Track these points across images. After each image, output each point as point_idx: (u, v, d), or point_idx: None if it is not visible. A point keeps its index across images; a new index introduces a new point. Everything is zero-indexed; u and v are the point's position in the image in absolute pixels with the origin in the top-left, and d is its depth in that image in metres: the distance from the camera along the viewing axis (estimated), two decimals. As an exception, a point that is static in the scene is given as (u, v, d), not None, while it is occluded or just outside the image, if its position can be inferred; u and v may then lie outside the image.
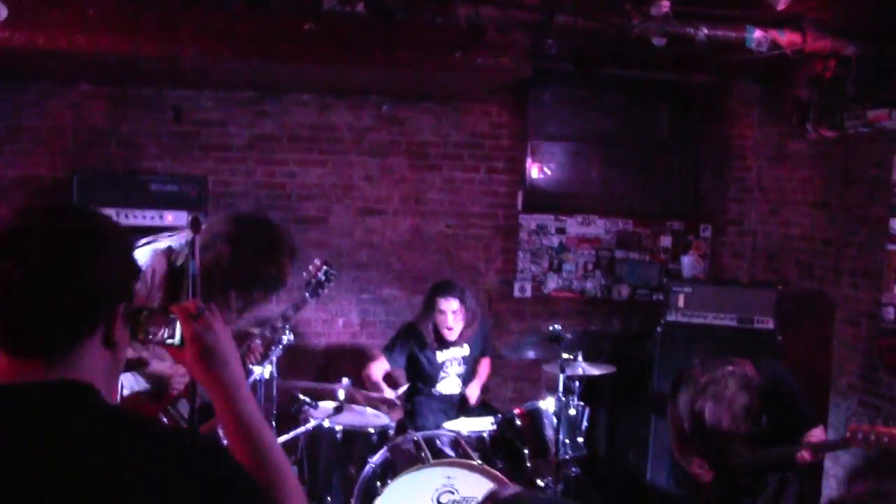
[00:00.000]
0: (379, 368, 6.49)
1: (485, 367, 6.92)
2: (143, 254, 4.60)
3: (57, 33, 5.75)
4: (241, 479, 1.74)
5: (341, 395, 5.81)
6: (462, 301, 6.43)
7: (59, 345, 1.70)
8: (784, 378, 5.24)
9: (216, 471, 1.70)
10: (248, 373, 5.05)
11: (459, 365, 6.58)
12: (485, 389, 6.97)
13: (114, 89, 7.40)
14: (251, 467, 1.83)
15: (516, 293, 8.17)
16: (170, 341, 2.00)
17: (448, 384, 6.57)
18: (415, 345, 6.52)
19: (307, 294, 5.19)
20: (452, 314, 6.40)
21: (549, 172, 8.38)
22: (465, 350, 6.59)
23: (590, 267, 8.25)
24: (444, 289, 6.48)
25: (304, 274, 5.26)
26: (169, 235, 4.64)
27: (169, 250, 4.53)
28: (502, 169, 8.07)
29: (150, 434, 1.71)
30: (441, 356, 6.55)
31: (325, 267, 5.21)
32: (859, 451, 6.23)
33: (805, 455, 4.89)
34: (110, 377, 1.81)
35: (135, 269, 1.86)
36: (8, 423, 1.61)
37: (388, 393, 6.21)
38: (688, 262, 8.10)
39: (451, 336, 6.46)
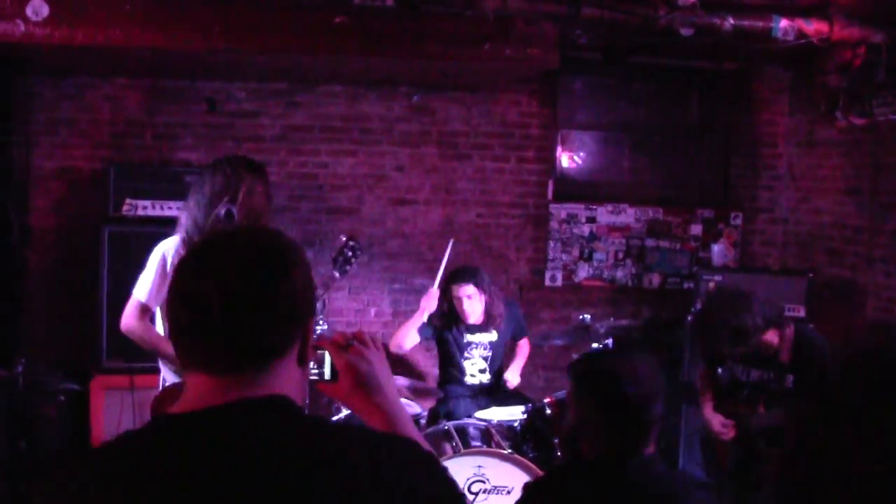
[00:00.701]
0: (406, 338, 6.46)
1: (524, 348, 6.91)
2: (168, 243, 4.72)
3: (94, 29, 5.88)
4: (452, 493, 1.77)
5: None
6: (477, 285, 6.42)
7: (258, 363, 1.70)
8: (818, 343, 5.25)
9: (435, 484, 1.73)
10: None
11: (486, 349, 6.60)
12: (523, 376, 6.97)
13: (149, 82, 7.51)
14: None
15: (547, 282, 8.20)
16: (315, 377, 1.99)
17: (473, 368, 6.59)
18: (442, 323, 6.55)
19: (335, 272, 5.21)
20: (468, 299, 6.40)
21: (579, 161, 8.41)
22: (492, 335, 6.61)
23: (620, 256, 8.27)
24: (458, 275, 6.48)
25: (330, 252, 5.30)
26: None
27: (191, 238, 4.63)
28: (532, 158, 8.10)
29: (372, 443, 1.72)
30: (468, 337, 6.58)
31: (350, 242, 5.21)
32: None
33: None
34: (301, 395, 1.79)
35: (314, 284, 1.86)
36: (215, 445, 1.61)
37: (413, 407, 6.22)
38: (718, 251, 8.11)
39: (472, 319, 6.48)
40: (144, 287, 4.64)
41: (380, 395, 1.97)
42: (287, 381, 1.73)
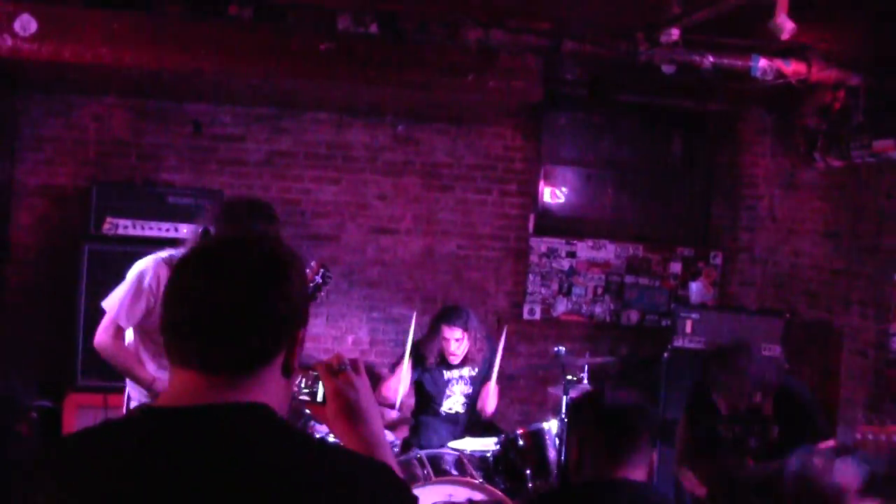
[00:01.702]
0: (393, 386, 6.44)
1: (494, 392, 6.86)
2: (145, 262, 4.69)
3: (82, 47, 5.93)
4: None
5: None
6: (466, 329, 6.37)
7: (244, 366, 1.70)
8: (800, 391, 5.25)
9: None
10: None
11: (466, 385, 6.58)
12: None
13: (136, 102, 7.56)
14: None
15: (525, 315, 8.22)
16: (305, 397, 1.98)
17: (453, 403, 6.59)
18: (420, 365, 6.52)
19: None
20: (456, 342, 6.37)
21: (561, 196, 8.45)
22: (473, 371, 6.60)
23: (599, 291, 8.30)
24: (449, 317, 6.42)
25: None
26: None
27: (170, 258, 4.61)
28: (515, 192, 8.15)
29: (348, 462, 1.73)
30: (447, 374, 6.56)
31: (321, 269, 5.19)
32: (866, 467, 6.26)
33: None
34: (284, 403, 1.79)
35: (308, 295, 1.89)
36: (197, 443, 1.63)
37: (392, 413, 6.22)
38: (696, 289, 8.13)
39: (455, 361, 6.47)
40: (113, 304, 4.61)
41: (363, 425, 1.96)
42: (271, 390, 1.73)
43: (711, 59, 5.79)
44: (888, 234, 6.68)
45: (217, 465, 1.58)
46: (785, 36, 5.10)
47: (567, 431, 3.27)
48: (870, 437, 4.55)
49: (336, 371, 1.98)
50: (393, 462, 1.93)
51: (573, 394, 6.21)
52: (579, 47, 5.58)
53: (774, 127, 8.26)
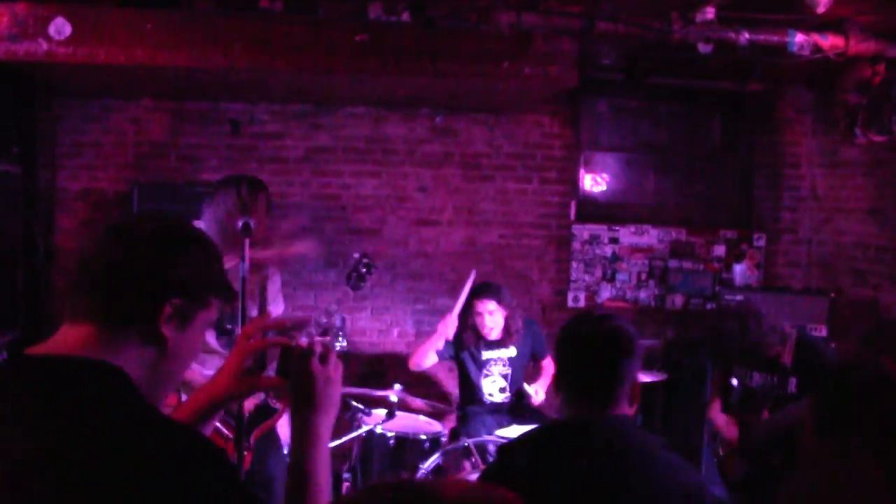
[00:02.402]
0: (425, 358, 6.42)
1: (548, 368, 6.81)
2: None
3: (117, 48, 5.95)
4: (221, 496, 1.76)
5: (393, 399, 5.88)
6: (499, 301, 6.39)
7: (100, 323, 1.83)
8: (820, 348, 5.23)
9: (205, 477, 1.74)
10: None
11: (504, 366, 6.57)
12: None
13: (173, 104, 7.61)
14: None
15: (570, 303, 8.20)
16: (271, 372, 2.10)
17: (493, 386, 6.57)
18: (459, 344, 6.51)
19: (349, 287, 5.21)
20: (489, 315, 6.36)
21: (601, 182, 8.41)
22: (511, 351, 6.57)
23: (643, 276, 8.25)
24: (481, 290, 6.42)
25: (345, 269, 5.30)
26: None
27: None
28: (555, 179, 8.12)
29: (153, 427, 1.76)
30: (486, 355, 6.55)
31: (364, 259, 5.23)
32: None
33: None
34: (155, 374, 1.88)
35: (205, 278, 1.95)
36: (20, 388, 1.77)
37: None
38: (740, 271, 8.08)
39: (492, 335, 6.45)
40: None
41: (312, 414, 2.04)
42: (130, 354, 1.83)
43: (747, 35, 5.73)
44: (933, 208, 6.60)
45: (25, 411, 1.70)
46: (821, 9, 5.05)
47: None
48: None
49: (304, 354, 2.06)
50: (324, 459, 2.01)
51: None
52: (613, 28, 5.54)
53: (815, 105, 8.18)
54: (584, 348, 2.92)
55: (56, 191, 7.52)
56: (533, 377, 6.78)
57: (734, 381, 5.51)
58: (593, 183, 8.36)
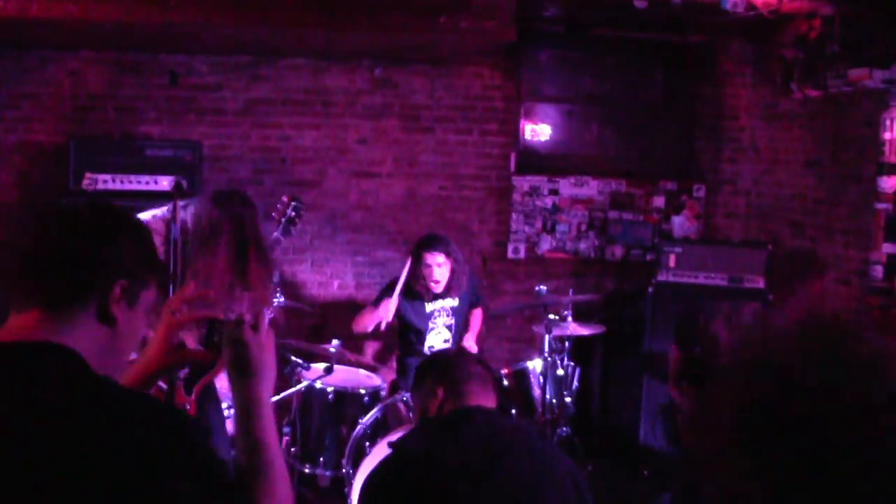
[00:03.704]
0: (367, 318, 6.43)
1: (477, 318, 6.90)
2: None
3: (49, 2, 5.84)
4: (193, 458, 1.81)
5: (332, 352, 5.89)
6: (447, 254, 6.38)
7: (50, 307, 1.86)
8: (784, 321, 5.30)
9: (176, 445, 1.79)
10: None
11: (448, 316, 6.60)
12: (480, 345, 6.97)
13: (111, 55, 7.51)
14: (246, 474, 1.97)
15: (510, 254, 8.23)
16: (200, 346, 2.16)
17: (436, 338, 6.61)
18: (402, 297, 6.51)
19: (278, 234, 5.15)
20: (437, 267, 6.36)
21: (542, 134, 8.41)
22: (454, 302, 6.61)
23: (583, 228, 8.30)
24: (429, 243, 6.43)
25: (273, 213, 5.23)
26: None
27: (152, 220, 4.63)
28: (495, 131, 8.12)
29: (115, 400, 1.82)
30: (429, 307, 6.57)
31: (293, 203, 5.16)
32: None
33: None
34: (107, 354, 1.92)
35: (144, 259, 2.00)
36: None
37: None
38: (679, 223, 8.15)
39: (438, 289, 6.45)
40: None
41: (250, 379, 2.08)
42: (82, 336, 1.87)
43: (682, -7, 5.74)
44: (868, 162, 6.67)
45: None
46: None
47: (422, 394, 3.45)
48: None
49: (235, 324, 2.12)
50: (269, 423, 2.04)
51: (557, 332, 6.27)
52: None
53: (754, 57, 8.22)
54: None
55: (-8, 143, 7.42)
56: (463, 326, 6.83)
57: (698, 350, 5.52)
58: (534, 134, 8.37)
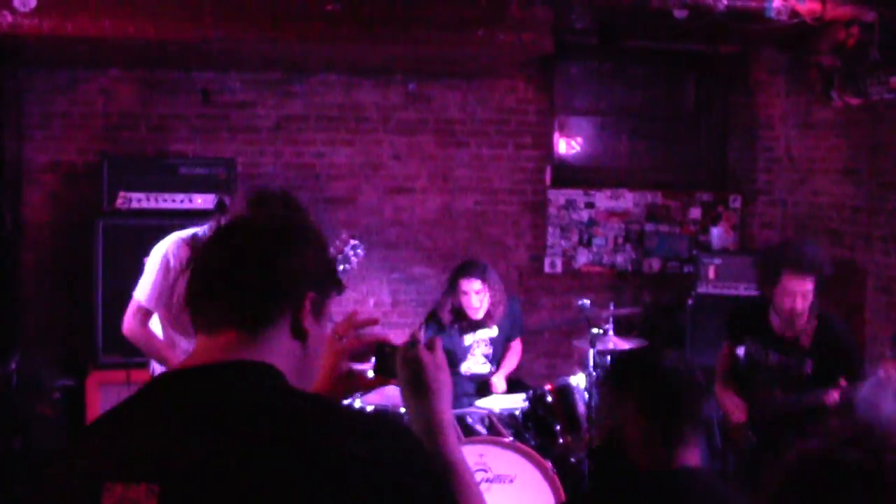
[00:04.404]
0: None
1: (515, 352, 6.74)
2: (166, 243, 4.63)
3: (84, 20, 5.83)
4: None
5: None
6: (485, 280, 6.27)
7: (246, 326, 1.78)
8: (840, 327, 5.19)
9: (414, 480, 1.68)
10: None
11: (487, 346, 6.51)
12: (517, 368, 6.87)
13: (143, 73, 7.47)
14: None
15: (546, 269, 8.16)
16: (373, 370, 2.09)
17: (474, 364, 6.53)
18: (435, 324, 6.43)
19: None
20: (476, 294, 6.27)
21: (576, 147, 8.37)
22: (493, 332, 6.50)
23: (620, 241, 8.23)
24: (466, 269, 6.33)
25: (332, 249, 5.14)
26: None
27: (193, 238, 4.55)
28: (530, 144, 8.06)
29: (336, 415, 1.73)
30: (468, 339, 6.47)
31: (351, 241, 5.07)
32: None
33: (834, 395, 4.78)
34: (300, 370, 1.85)
35: (327, 269, 1.95)
36: (193, 401, 1.69)
37: None
38: (717, 234, 8.07)
39: (477, 315, 6.36)
40: (144, 289, 4.56)
41: (428, 401, 1.99)
42: (279, 351, 1.80)
43: (725, 1, 5.67)
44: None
45: (208, 420, 1.64)
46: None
47: (611, 403, 2.98)
48: (893, 370, 4.50)
49: (409, 346, 2.04)
50: (455, 443, 1.96)
51: (600, 346, 6.17)
52: (592, -6, 5.47)
53: (788, 66, 8.16)
54: (666, 385, 2.79)
55: (23, 163, 7.37)
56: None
57: (740, 351, 5.45)
58: (568, 147, 8.31)
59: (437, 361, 2.03)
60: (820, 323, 5.08)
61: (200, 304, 1.83)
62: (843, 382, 4.82)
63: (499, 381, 6.49)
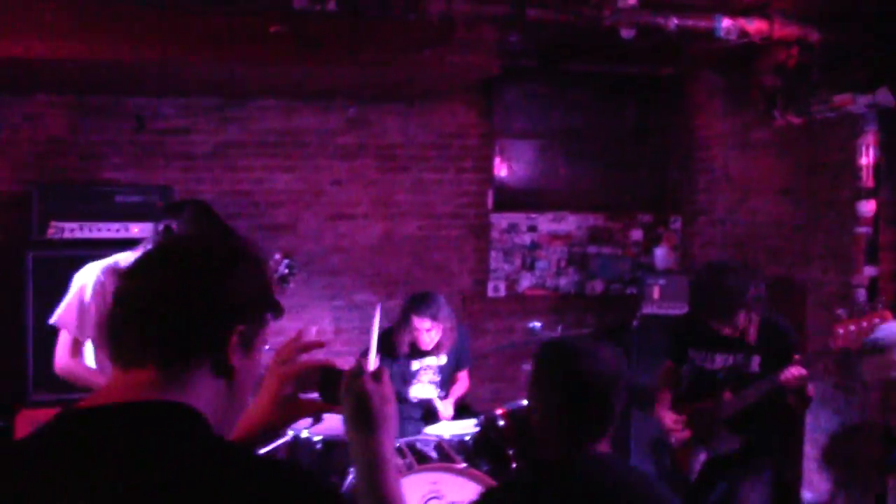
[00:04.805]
0: None
1: (462, 381, 6.69)
2: (86, 271, 4.45)
3: (11, 40, 5.60)
4: None
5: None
6: (435, 319, 6.19)
7: (163, 364, 1.65)
8: (784, 328, 5.18)
9: None
10: None
11: (434, 374, 6.44)
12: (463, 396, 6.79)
13: (72, 98, 7.27)
14: None
15: (490, 293, 8.13)
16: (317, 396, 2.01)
17: (421, 390, 6.44)
18: (389, 355, 6.33)
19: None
20: (426, 332, 6.22)
21: (517, 170, 8.34)
22: (441, 360, 6.44)
23: (563, 264, 8.23)
24: (418, 306, 6.21)
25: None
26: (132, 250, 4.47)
27: (116, 264, 4.38)
28: (471, 168, 8.04)
29: (246, 466, 1.60)
30: (415, 365, 6.40)
31: (285, 260, 4.99)
32: (838, 413, 6.42)
33: (792, 371, 4.76)
34: (227, 408, 1.74)
35: (261, 297, 1.79)
36: (93, 444, 1.57)
37: None
38: (661, 254, 8.09)
39: (428, 348, 6.31)
40: (68, 320, 4.37)
41: (373, 434, 1.90)
42: (200, 391, 1.68)
43: (676, 21, 5.67)
44: (843, 187, 6.66)
45: (105, 463, 1.53)
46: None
47: (529, 393, 2.95)
48: (852, 328, 4.53)
49: (354, 374, 1.93)
50: (395, 480, 1.88)
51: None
52: (544, 15, 5.41)
53: (726, 88, 8.22)
54: (580, 371, 2.76)
55: (-55, 195, 7.11)
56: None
57: (684, 370, 5.43)
58: (509, 171, 8.28)
59: (383, 393, 1.93)
60: (764, 320, 5.08)
61: (118, 337, 1.70)
62: (796, 357, 4.82)
63: (446, 408, 6.41)
